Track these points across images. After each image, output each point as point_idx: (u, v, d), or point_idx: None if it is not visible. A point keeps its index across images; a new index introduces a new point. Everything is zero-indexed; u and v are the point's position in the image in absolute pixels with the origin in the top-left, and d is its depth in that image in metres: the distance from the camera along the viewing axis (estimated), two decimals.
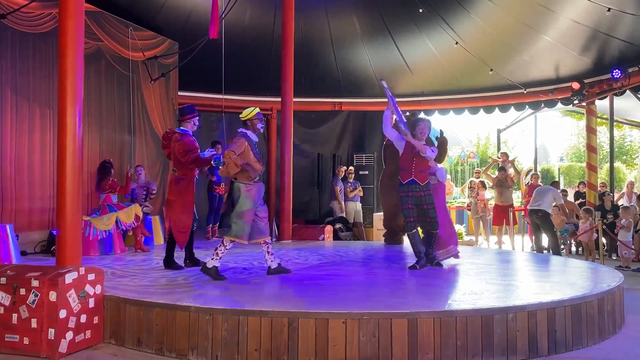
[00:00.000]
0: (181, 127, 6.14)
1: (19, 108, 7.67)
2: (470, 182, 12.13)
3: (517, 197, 13.81)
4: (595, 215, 9.90)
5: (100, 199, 7.61)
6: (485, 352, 4.01)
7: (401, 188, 6.11)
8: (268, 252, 5.68)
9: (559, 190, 10.52)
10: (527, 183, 16.85)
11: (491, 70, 11.86)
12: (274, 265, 5.67)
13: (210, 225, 9.52)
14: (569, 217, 10.25)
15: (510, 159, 11.71)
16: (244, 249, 8.25)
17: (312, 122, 13.37)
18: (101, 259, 6.91)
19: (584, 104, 11.67)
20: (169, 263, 6.12)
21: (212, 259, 5.34)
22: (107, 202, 7.54)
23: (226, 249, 5.38)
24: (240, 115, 5.60)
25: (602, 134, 23.51)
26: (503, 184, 11.04)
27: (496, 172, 11.37)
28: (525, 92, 12.07)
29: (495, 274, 5.81)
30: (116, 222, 7.44)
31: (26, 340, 4.18)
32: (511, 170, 11.35)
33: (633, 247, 9.18)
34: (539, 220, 9.66)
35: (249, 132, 5.52)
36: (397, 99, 13.32)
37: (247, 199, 5.38)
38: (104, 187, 7.55)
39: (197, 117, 6.24)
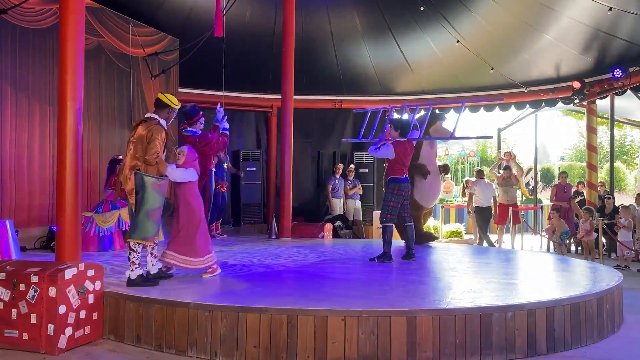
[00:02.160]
0: (189, 129, 6.16)
1: (18, 104, 7.66)
2: (466, 181, 12.14)
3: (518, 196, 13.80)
4: (595, 215, 9.90)
5: (105, 194, 7.61)
6: (484, 351, 4.01)
7: (394, 185, 6.45)
8: (152, 254, 5.06)
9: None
10: (528, 183, 16.86)
11: (492, 68, 11.85)
12: (153, 270, 5.02)
13: (215, 222, 9.30)
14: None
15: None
16: (244, 245, 8.26)
17: (312, 120, 13.35)
18: (100, 255, 6.91)
19: (584, 103, 11.66)
20: None
21: (131, 270, 4.81)
22: (111, 198, 7.53)
23: (139, 254, 4.87)
24: (165, 95, 5.09)
25: (603, 134, 23.49)
26: (508, 183, 11.07)
27: (501, 171, 11.38)
28: (526, 90, 12.06)
29: (495, 273, 5.81)
30: (118, 220, 7.44)
31: (25, 336, 4.18)
32: (515, 169, 11.41)
33: (633, 247, 9.18)
34: (488, 216, 10.08)
35: (162, 121, 4.95)
36: (398, 98, 13.43)
37: (158, 195, 4.86)
38: (110, 183, 7.55)
39: (202, 119, 6.24)
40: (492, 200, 10.85)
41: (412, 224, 6.66)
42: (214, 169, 6.28)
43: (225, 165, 9.15)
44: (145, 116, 5.03)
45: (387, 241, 6.48)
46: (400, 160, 6.48)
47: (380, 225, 6.63)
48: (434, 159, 8.38)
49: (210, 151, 6.07)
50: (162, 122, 4.95)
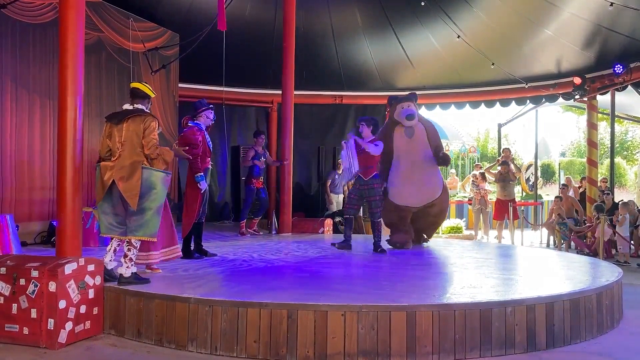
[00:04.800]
0: (193, 121, 6.17)
1: (19, 98, 7.66)
2: (473, 175, 12.17)
3: (517, 192, 13.84)
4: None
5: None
6: (484, 346, 4.02)
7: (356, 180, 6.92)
8: (126, 260, 4.67)
9: None
10: (528, 178, 16.87)
11: (493, 64, 11.83)
12: (127, 274, 4.65)
13: (245, 220, 9.12)
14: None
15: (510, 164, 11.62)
16: (244, 241, 8.27)
17: (312, 116, 13.35)
18: (101, 250, 6.91)
19: (585, 99, 11.64)
20: (186, 253, 6.19)
21: (127, 267, 4.63)
22: None
23: (137, 250, 4.77)
24: (144, 84, 4.92)
25: (603, 130, 23.48)
26: (505, 179, 11.08)
27: (498, 168, 11.38)
28: (526, 86, 12.05)
29: (494, 268, 5.82)
30: None
31: (26, 330, 4.19)
32: (512, 167, 11.42)
33: (632, 242, 9.19)
34: None
35: (146, 111, 4.82)
36: (398, 93, 13.42)
37: (164, 190, 4.76)
38: None
39: (210, 111, 6.23)
40: None
41: (380, 220, 7.01)
42: (210, 167, 6.24)
43: (261, 160, 9.05)
44: (129, 108, 4.80)
45: (347, 230, 7.06)
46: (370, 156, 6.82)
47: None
48: (412, 151, 7.22)
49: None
50: (147, 111, 4.82)
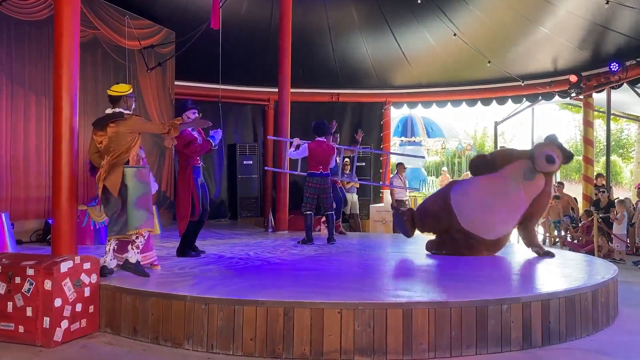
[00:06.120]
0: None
1: (14, 96, 7.63)
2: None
3: None
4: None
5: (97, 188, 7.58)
6: (480, 343, 4.03)
7: (309, 179, 7.49)
8: (134, 247, 4.87)
9: None
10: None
11: (489, 62, 11.85)
12: (133, 260, 4.84)
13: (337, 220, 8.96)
14: None
15: None
16: (241, 239, 8.27)
17: (309, 114, 13.32)
18: (97, 248, 6.89)
19: (581, 96, 11.67)
20: (182, 251, 6.18)
21: (134, 253, 4.85)
22: None
23: (144, 239, 4.92)
24: (112, 89, 5.03)
25: (599, 127, 23.51)
26: None
27: None
28: (522, 84, 12.07)
29: (491, 265, 5.83)
30: None
31: (21, 329, 4.18)
32: None
33: (627, 240, 9.21)
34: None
35: (126, 112, 4.99)
36: (395, 91, 13.42)
37: (141, 183, 4.91)
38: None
39: (193, 111, 6.19)
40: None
41: (333, 212, 7.62)
42: (200, 165, 6.18)
43: (337, 159, 8.95)
44: (109, 112, 4.97)
45: (307, 227, 7.51)
46: (314, 157, 7.40)
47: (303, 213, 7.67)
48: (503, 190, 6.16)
49: (191, 152, 5.98)
50: (127, 112, 4.98)
